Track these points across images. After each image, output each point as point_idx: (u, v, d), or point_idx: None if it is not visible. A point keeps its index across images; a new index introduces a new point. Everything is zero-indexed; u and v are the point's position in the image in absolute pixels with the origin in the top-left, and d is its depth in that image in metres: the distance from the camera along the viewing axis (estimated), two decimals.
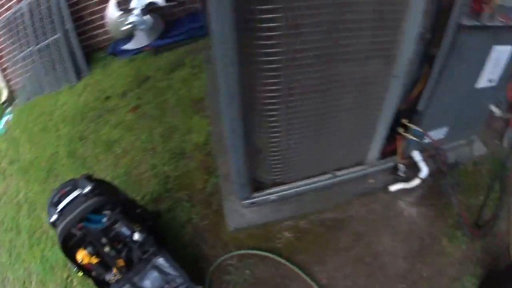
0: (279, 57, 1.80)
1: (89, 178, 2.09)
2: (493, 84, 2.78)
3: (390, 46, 2.03)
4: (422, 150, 2.79)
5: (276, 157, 2.31)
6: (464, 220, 2.53)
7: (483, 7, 2.23)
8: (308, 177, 2.63)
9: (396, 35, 1.99)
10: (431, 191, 2.82)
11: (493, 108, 3.11)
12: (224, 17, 1.57)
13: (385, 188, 2.78)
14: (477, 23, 2.31)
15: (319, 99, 2.08)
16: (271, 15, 1.67)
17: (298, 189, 2.61)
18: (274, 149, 2.26)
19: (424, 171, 2.78)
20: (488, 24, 2.35)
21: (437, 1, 2.18)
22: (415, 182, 2.78)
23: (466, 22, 2.27)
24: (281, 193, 2.56)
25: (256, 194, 2.51)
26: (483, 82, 2.71)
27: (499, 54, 2.59)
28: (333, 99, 2.11)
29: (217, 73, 1.80)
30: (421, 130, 2.60)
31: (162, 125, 3.23)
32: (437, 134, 2.96)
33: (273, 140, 2.19)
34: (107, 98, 3.63)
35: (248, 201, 2.50)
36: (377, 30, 1.91)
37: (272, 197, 2.55)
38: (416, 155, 2.84)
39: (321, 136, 2.31)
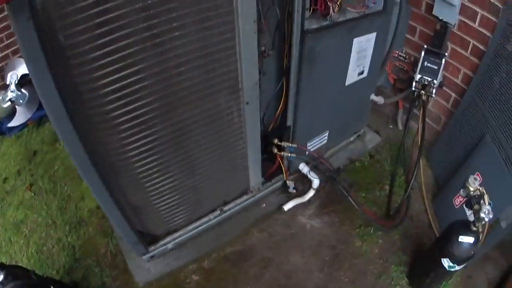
0: (120, 119, 1.65)
1: (1, 266, 1.92)
2: (365, 75, 2.48)
3: (229, 76, 1.86)
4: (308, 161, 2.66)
5: (158, 209, 2.18)
6: (371, 216, 2.47)
7: (330, 5, 1.87)
8: (198, 218, 2.49)
9: (230, 65, 1.82)
10: (330, 198, 2.74)
11: (374, 98, 2.82)
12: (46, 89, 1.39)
13: (280, 209, 2.66)
14: (325, 23, 2.02)
15: (178, 146, 1.93)
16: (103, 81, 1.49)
17: (191, 232, 2.49)
18: (153, 202, 2.12)
19: (316, 181, 2.64)
20: (339, 20, 2.00)
21: (276, 15, 1.97)
22: (310, 194, 2.67)
23: (311, 25, 2.04)
24: (176, 240, 2.44)
25: (152, 247, 2.37)
26: (352, 77, 2.45)
27: (361, 45, 2.29)
28: (191, 142, 1.96)
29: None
30: (294, 146, 2.46)
31: (57, 198, 3.19)
32: (319, 140, 2.77)
33: (148, 195, 2.06)
34: (5, 180, 3.56)
35: (147, 255, 2.36)
36: (209, 65, 1.75)
37: (169, 246, 2.43)
38: (303, 168, 2.69)
39: (196, 178, 2.17)
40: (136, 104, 1.61)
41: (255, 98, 2.05)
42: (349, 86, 2.52)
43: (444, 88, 2.67)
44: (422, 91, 2.63)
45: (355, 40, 2.27)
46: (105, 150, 1.74)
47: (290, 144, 2.47)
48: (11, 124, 4.18)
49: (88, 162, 1.66)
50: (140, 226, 2.24)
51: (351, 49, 2.30)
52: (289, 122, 2.42)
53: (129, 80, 1.53)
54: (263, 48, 1.97)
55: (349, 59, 2.33)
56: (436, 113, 2.84)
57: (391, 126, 3.31)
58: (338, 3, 2.03)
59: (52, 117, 1.45)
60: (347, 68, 2.37)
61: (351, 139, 3.07)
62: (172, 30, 1.51)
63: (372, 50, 2.43)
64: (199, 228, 2.52)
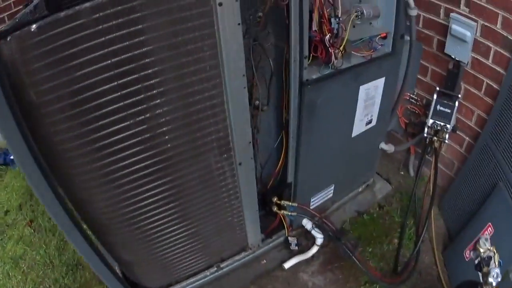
0: (103, 180, 1.50)
1: None
2: (373, 124, 2.16)
3: (217, 136, 1.64)
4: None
5: (151, 266, 2.01)
6: (376, 276, 2.22)
7: (332, 52, 1.58)
8: (194, 274, 2.29)
9: (218, 123, 1.60)
10: (335, 254, 2.47)
11: (384, 146, 2.52)
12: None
13: (281, 265, 2.40)
14: (326, 72, 1.72)
15: (170, 206, 1.75)
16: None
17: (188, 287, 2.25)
18: (145, 259, 1.96)
19: (319, 238, 2.36)
20: (343, 67, 1.71)
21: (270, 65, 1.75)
22: (313, 250, 2.40)
23: (311, 75, 1.77)
24: None
25: None
26: (360, 128, 2.14)
27: (369, 93, 1.99)
28: (184, 201, 1.77)
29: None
30: (295, 205, 2.20)
31: (56, 237, 3.09)
32: (324, 195, 2.48)
33: (140, 252, 1.90)
34: (6, 212, 3.50)
35: None
36: (194, 125, 1.55)
37: None
38: (307, 224, 2.40)
39: (189, 235, 1.97)
40: (119, 164, 1.47)
41: (248, 158, 1.79)
42: (356, 137, 2.23)
43: (457, 132, 2.41)
44: (435, 138, 2.35)
45: (362, 88, 1.98)
46: (92, 209, 1.62)
47: (291, 203, 2.18)
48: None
49: (69, 222, 1.52)
50: (133, 277, 2.10)
51: (357, 98, 2.00)
52: (290, 179, 2.14)
53: (110, 140, 1.38)
54: (256, 103, 1.71)
55: (356, 109, 2.04)
56: (449, 158, 2.61)
57: (402, 173, 2.99)
58: (340, 48, 1.74)
59: (27, 177, 1.32)
60: (353, 119, 2.07)
61: (360, 189, 2.77)
62: (152, 88, 1.35)
63: (380, 96, 2.14)
64: (195, 284, 2.29)
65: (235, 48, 1.39)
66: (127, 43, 1.21)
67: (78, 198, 1.55)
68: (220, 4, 1.29)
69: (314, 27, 1.66)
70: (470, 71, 2.23)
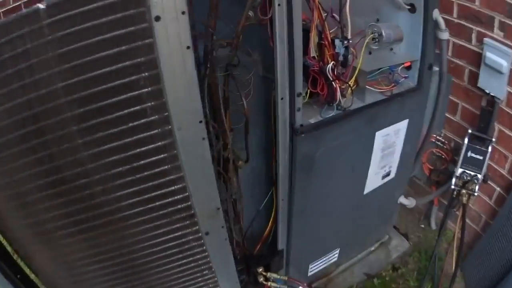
0: None
1: None
2: (392, 176, 1.62)
3: (173, 199, 1.14)
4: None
5: None
6: None
7: (337, 87, 1.05)
8: None
9: (171, 184, 1.10)
10: None
11: (404, 201, 1.98)
12: None
13: None
14: (330, 114, 1.20)
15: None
16: None
17: None
18: None
19: None
20: (353, 107, 1.19)
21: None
22: None
23: (308, 119, 1.27)
24: None
25: None
26: (374, 182, 1.60)
27: (387, 140, 1.45)
28: (149, 274, 1.33)
29: None
30: (284, 279, 1.69)
31: None
32: (326, 260, 1.94)
33: None
34: None
35: None
36: (138, 184, 1.08)
37: None
38: None
39: None
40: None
41: (218, 227, 1.29)
42: (369, 194, 1.68)
43: (488, 181, 1.95)
44: (463, 190, 1.88)
45: (379, 134, 1.46)
46: None
47: (280, 277, 1.65)
48: None
49: None
50: None
51: (372, 147, 1.48)
52: (281, 246, 1.62)
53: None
54: (227, 156, 1.16)
55: (370, 162, 1.52)
56: (476, 210, 2.13)
57: (423, 226, 2.48)
58: (350, 81, 1.21)
59: None
60: (367, 173, 1.55)
61: (372, 248, 2.20)
62: None
63: (402, 143, 1.61)
64: None
65: (184, 82, 0.87)
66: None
67: None
68: (158, 19, 0.78)
69: (313, 53, 1.14)
70: (505, 108, 1.80)
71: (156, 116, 0.94)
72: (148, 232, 1.20)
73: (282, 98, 1.10)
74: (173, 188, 1.10)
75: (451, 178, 1.91)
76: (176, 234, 1.25)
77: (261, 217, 1.61)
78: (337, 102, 1.23)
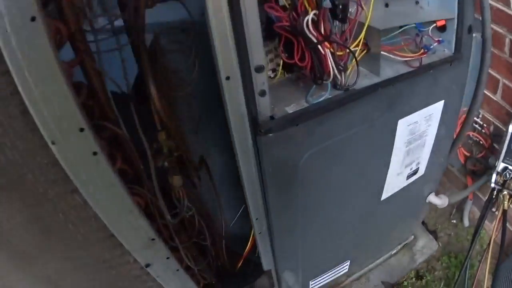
0: None
1: None
2: (421, 174, 1.04)
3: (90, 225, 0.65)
4: None
5: None
6: None
7: (324, 54, 0.45)
8: None
9: (71, 210, 0.63)
10: None
11: (435, 200, 1.38)
12: None
13: None
14: (322, 97, 0.70)
15: None
16: None
17: None
18: None
19: None
20: (359, 86, 0.57)
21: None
22: None
23: (281, 108, 0.69)
24: None
25: None
26: (396, 184, 1.01)
27: (415, 129, 0.82)
28: None
29: None
30: None
31: None
32: (333, 273, 1.35)
33: None
34: None
35: None
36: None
37: None
38: None
39: None
40: None
41: (162, 258, 0.79)
42: (388, 199, 1.09)
43: None
44: (505, 191, 1.28)
45: (402, 123, 0.85)
46: None
47: None
48: None
49: None
50: None
51: (392, 141, 0.89)
52: (267, 267, 1.08)
53: None
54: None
55: (389, 160, 0.90)
56: None
57: (455, 221, 1.82)
58: (354, 46, 0.61)
59: None
60: (385, 177, 0.94)
61: (394, 251, 1.58)
62: None
63: (435, 132, 0.97)
64: None
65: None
66: None
67: None
68: None
69: None
70: None
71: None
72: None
73: (227, 78, 0.53)
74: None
75: (490, 173, 1.31)
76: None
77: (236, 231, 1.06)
78: (330, 79, 0.63)
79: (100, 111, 0.63)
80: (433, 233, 1.78)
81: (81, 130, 0.50)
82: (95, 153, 0.53)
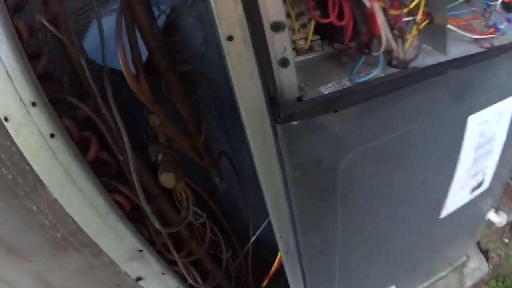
0: None
1: None
2: (485, 188, 0.80)
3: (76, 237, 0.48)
4: None
5: None
6: None
7: (375, 12, 0.19)
8: None
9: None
10: None
11: (493, 217, 1.01)
12: None
13: None
14: (369, 76, 0.41)
15: None
16: None
17: None
18: None
19: None
20: (425, 64, 0.30)
21: None
22: None
23: (313, 90, 0.37)
24: None
25: None
26: (459, 199, 0.66)
27: (486, 129, 0.51)
28: None
29: None
30: None
31: None
32: None
33: None
34: None
35: None
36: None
37: None
38: None
39: None
40: None
41: (153, 272, 0.56)
42: (448, 217, 0.79)
43: None
44: None
45: (473, 120, 0.55)
46: None
47: None
48: None
49: None
50: None
51: (460, 143, 0.57)
52: None
53: None
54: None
55: (455, 167, 0.59)
56: None
57: (507, 240, 1.48)
58: (420, 11, 0.35)
59: None
60: (448, 187, 0.62)
61: (444, 273, 1.23)
62: None
63: (505, 135, 0.66)
64: None
65: None
66: None
67: None
68: None
69: None
70: None
71: None
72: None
73: (230, 38, 0.29)
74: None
75: None
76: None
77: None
78: (382, 48, 0.37)
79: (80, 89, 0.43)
80: (485, 253, 1.43)
81: (33, 104, 0.30)
82: (52, 135, 0.32)
